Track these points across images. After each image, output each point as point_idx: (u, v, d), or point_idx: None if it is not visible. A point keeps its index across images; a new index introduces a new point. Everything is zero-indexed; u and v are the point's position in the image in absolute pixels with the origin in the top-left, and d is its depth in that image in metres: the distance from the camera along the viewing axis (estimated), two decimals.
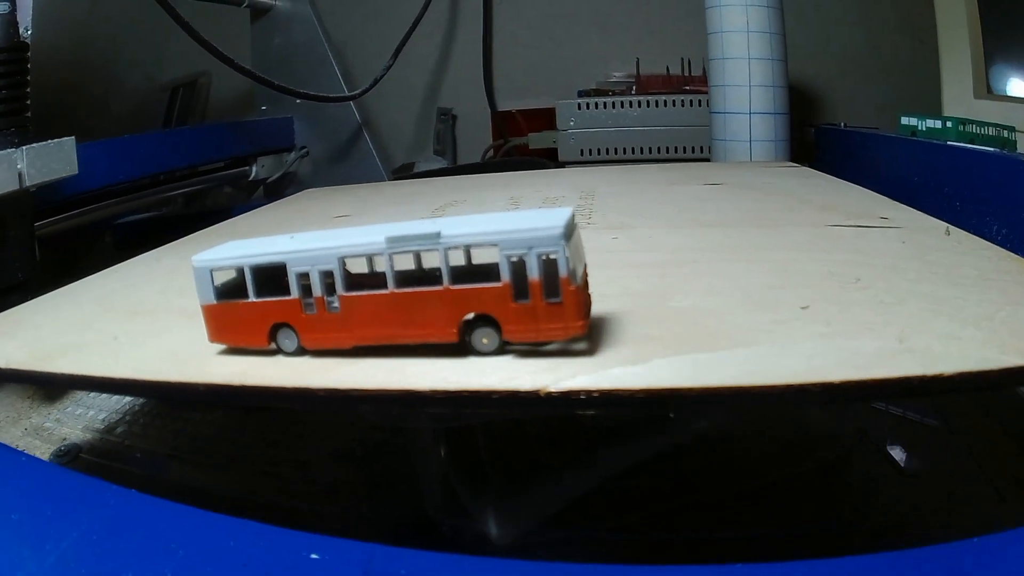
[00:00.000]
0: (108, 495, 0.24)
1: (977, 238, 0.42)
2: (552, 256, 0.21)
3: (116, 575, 0.20)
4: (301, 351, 0.25)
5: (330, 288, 0.24)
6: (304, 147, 1.10)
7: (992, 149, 0.64)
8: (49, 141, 0.49)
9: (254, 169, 1.04)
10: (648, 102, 0.96)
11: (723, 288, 0.31)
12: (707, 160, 0.91)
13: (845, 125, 0.90)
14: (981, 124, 0.70)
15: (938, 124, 0.73)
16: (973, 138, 0.69)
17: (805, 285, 0.31)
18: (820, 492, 0.38)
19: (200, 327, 0.27)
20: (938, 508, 0.42)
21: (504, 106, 1.15)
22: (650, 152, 0.96)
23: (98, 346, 0.31)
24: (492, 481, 0.33)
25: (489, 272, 0.22)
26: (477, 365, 0.23)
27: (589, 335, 0.24)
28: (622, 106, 0.96)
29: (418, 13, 1.06)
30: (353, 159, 1.04)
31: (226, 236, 0.41)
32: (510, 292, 0.22)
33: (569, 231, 0.22)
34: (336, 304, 0.24)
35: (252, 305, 0.25)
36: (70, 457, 0.40)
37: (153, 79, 1.29)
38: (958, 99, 0.92)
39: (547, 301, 0.22)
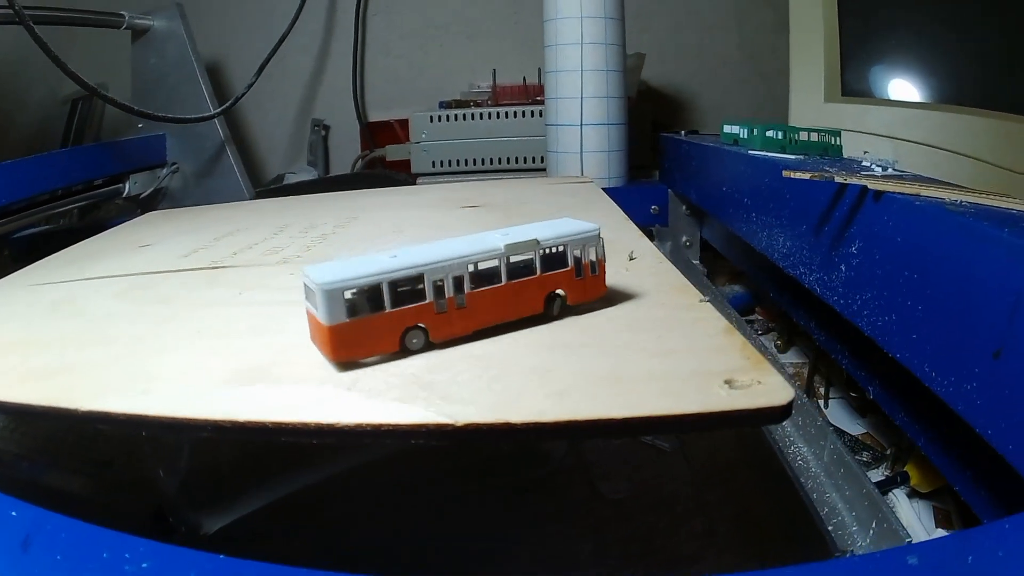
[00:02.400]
0: None
1: (661, 260, 0.40)
2: (595, 247, 0.31)
3: None
4: (429, 346, 0.28)
5: (459, 288, 0.28)
6: (175, 163, 1.07)
7: (792, 157, 0.60)
8: None
9: (127, 186, 1.02)
10: (498, 113, 0.93)
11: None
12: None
13: (685, 134, 0.87)
14: (797, 130, 0.67)
15: (745, 132, 0.71)
16: (784, 146, 0.66)
17: None
18: (520, 506, 0.38)
19: None
20: (632, 536, 0.40)
21: (375, 116, 1.12)
22: (500, 163, 0.94)
23: None
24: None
25: (557, 260, 0.31)
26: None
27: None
28: (473, 118, 0.94)
29: (285, 28, 1.04)
30: (218, 175, 1.02)
31: (61, 265, 0.48)
32: (573, 272, 0.31)
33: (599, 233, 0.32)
34: (464, 300, 0.28)
35: (388, 315, 0.27)
36: None
37: (54, 93, 1.27)
38: (807, 104, 0.89)
39: (592, 275, 0.31)
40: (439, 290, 0.28)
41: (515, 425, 0.21)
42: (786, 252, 0.54)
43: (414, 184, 0.98)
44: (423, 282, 0.27)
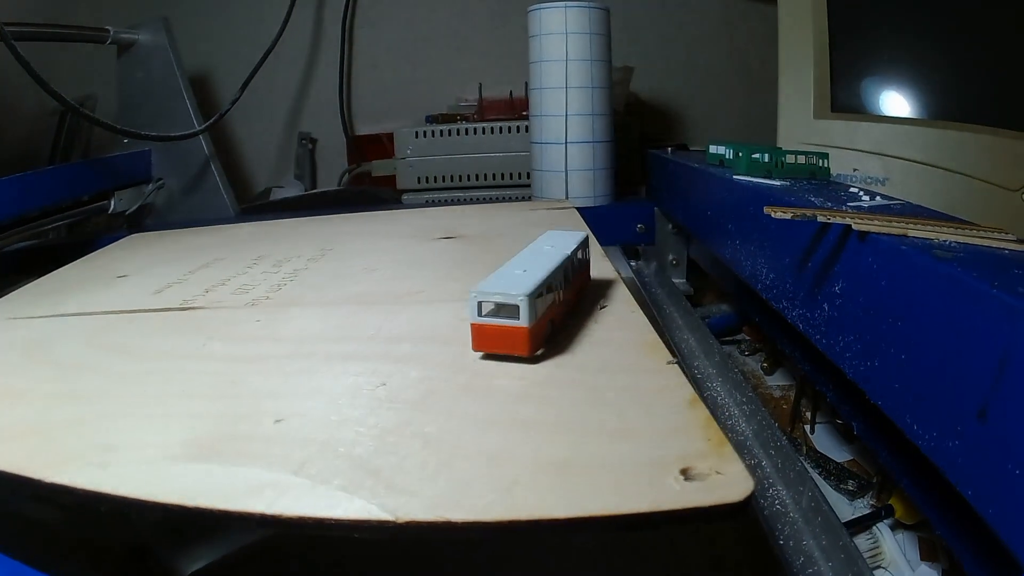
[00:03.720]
0: None
1: (632, 309, 0.39)
2: (585, 249, 0.41)
3: None
4: (553, 334, 0.34)
5: (561, 287, 0.35)
6: (161, 179, 1.06)
7: (777, 183, 0.59)
8: None
9: (112, 203, 1.01)
10: (484, 129, 0.92)
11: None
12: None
13: (672, 150, 0.86)
14: (783, 153, 0.65)
15: (730, 154, 0.69)
16: (771, 170, 0.64)
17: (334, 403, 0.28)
18: None
19: None
20: None
21: (362, 130, 1.11)
22: (487, 179, 0.93)
23: None
24: None
25: (583, 263, 0.40)
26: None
27: None
28: (459, 133, 0.93)
29: (271, 42, 1.02)
30: (203, 191, 1.01)
31: (40, 295, 0.50)
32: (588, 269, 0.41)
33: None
34: (562, 296, 0.36)
35: (546, 314, 0.33)
36: None
37: (44, 104, 1.26)
38: (795, 120, 0.88)
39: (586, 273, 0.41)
40: (555, 291, 0.34)
41: (455, 524, 0.20)
42: (769, 284, 0.53)
43: (399, 200, 0.97)
44: (554, 287, 0.34)
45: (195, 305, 0.44)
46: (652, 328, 0.36)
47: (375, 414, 0.27)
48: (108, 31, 0.96)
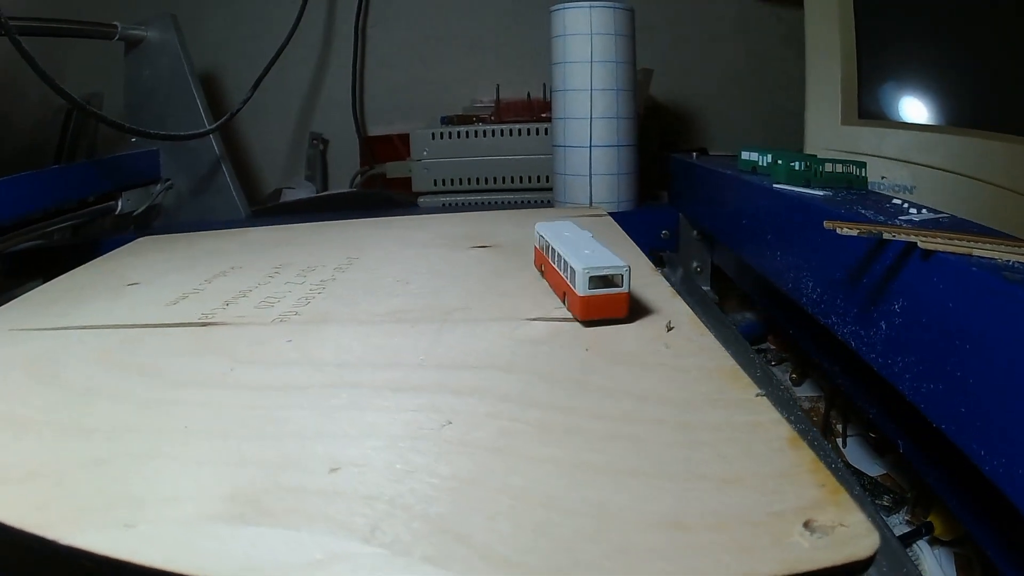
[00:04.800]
0: None
1: (702, 332, 0.35)
2: None
3: None
4: None
5: None
6: (169, 180, 1.02)
7: (820, 193, 0.55)
8: None
9: (120, 203, 0.97)
10: (502, 131, 0.88)
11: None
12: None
13: (696, 156, 0.82)
14: (822, 162, 0.62)
15: (765, 161, 0.66)
16: (810, 179, 0.61)
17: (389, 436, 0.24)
18: None
19: None
20: None
21: (375, 131, 1.07)
22: (505, 183, 0.89)
23: None
24: None
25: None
26: None
27: None
28: (477, 135, 0.88)
29: (283, 41, 0.98)
30: (213, 192, 0.96)
31: (44, 304, 0.45)
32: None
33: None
34: None
35: None
36: None
37: (49, 101, 1.21)
38: (823, 126, 0.84)
39: None
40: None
41: None
42: (816, 298, 0.49)
43: (415, 203, 0.92)
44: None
45: (215, 320, 0.39)
46: (727, 353, 0.32)
47: (446, 461, 0.23)
48: (116, 27, 0.91)
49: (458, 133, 0.89)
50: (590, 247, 0.38)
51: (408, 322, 0.36)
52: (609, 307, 0.35)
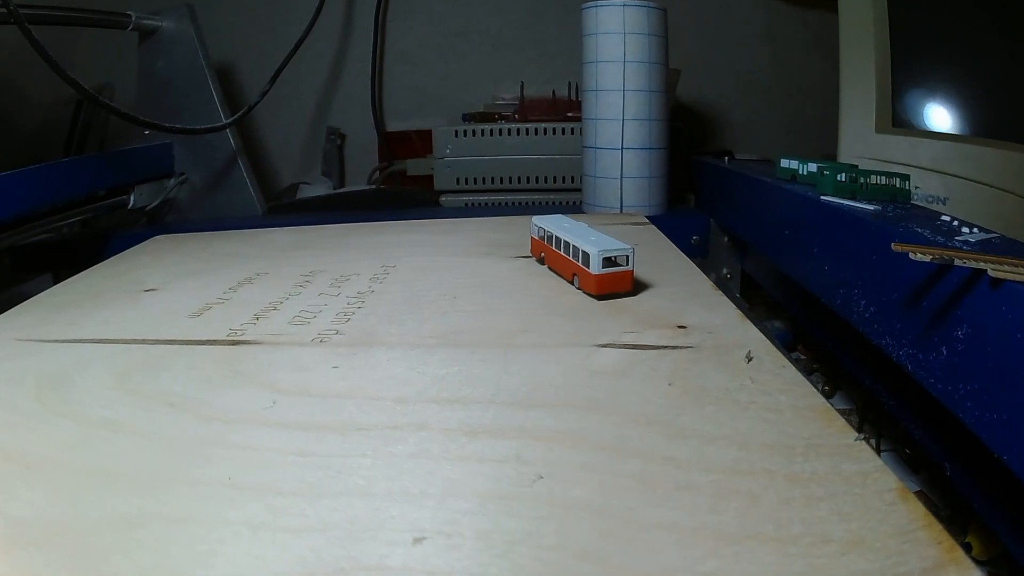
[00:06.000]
0: None
1: (784, 364, 0.31)
2: None
3: None
4: None
5: None
6: (183, 173, 0.97)
7: (869, 207, 0.52)
8: None
9: (132, 198, 0.92)
10: (527, 129, 0.83)
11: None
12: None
13: (728, 160, 0.78)
14: (867, 173, 0.58)
15: (807, 170, 0.62)
16: (855, 191, 0.57)
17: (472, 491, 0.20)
18: None
19: None
20: None
21: (393, 126, 1.02)
22: (529, 182, 0.84)
23: None
24: None
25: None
26: None
27: None
28: (501, 133, 0.84)
29: (302, 33, 0.93)
30: (229, 187, 0.91)
31: (52, 310, 0.41)
32: None
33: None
34: None
35: None
36: None
37: (59, 92, 1.16)
38: (857, 134, 0.80)
39: None
40: None
41: None
42: (869, 318, 0.46)
43: (437, 202, 0.88)
44: None
45: (247, 338, 0.35)
46: (814, 389, 0.28)
47: (546, 527, 0.19)
48: (130, 16, 0.86)
49: (482, 131, 0.84)
50: (594, 234, 0.41)
51: (466, 346, 0.32)
52: (618, 283, 0.39)
